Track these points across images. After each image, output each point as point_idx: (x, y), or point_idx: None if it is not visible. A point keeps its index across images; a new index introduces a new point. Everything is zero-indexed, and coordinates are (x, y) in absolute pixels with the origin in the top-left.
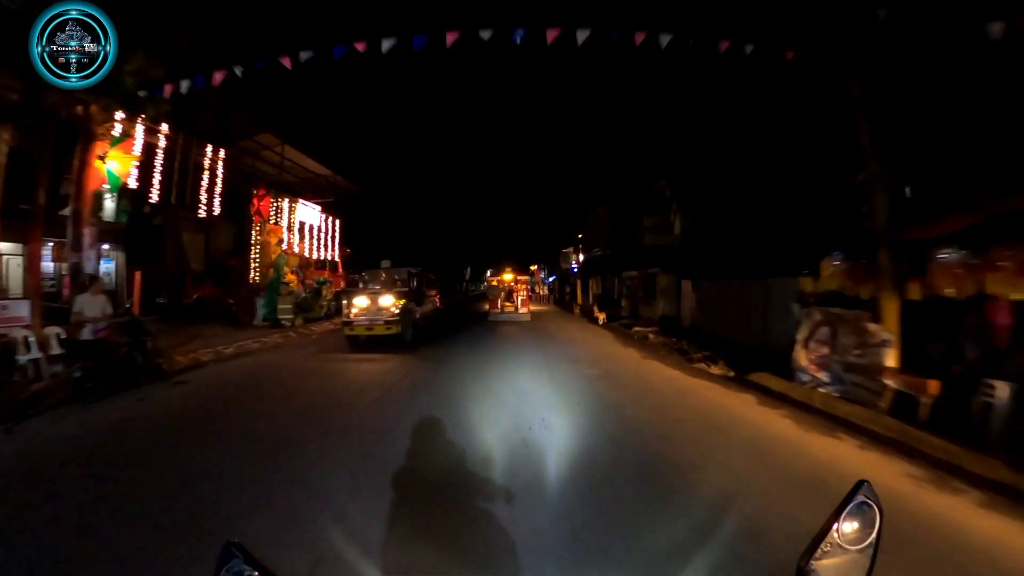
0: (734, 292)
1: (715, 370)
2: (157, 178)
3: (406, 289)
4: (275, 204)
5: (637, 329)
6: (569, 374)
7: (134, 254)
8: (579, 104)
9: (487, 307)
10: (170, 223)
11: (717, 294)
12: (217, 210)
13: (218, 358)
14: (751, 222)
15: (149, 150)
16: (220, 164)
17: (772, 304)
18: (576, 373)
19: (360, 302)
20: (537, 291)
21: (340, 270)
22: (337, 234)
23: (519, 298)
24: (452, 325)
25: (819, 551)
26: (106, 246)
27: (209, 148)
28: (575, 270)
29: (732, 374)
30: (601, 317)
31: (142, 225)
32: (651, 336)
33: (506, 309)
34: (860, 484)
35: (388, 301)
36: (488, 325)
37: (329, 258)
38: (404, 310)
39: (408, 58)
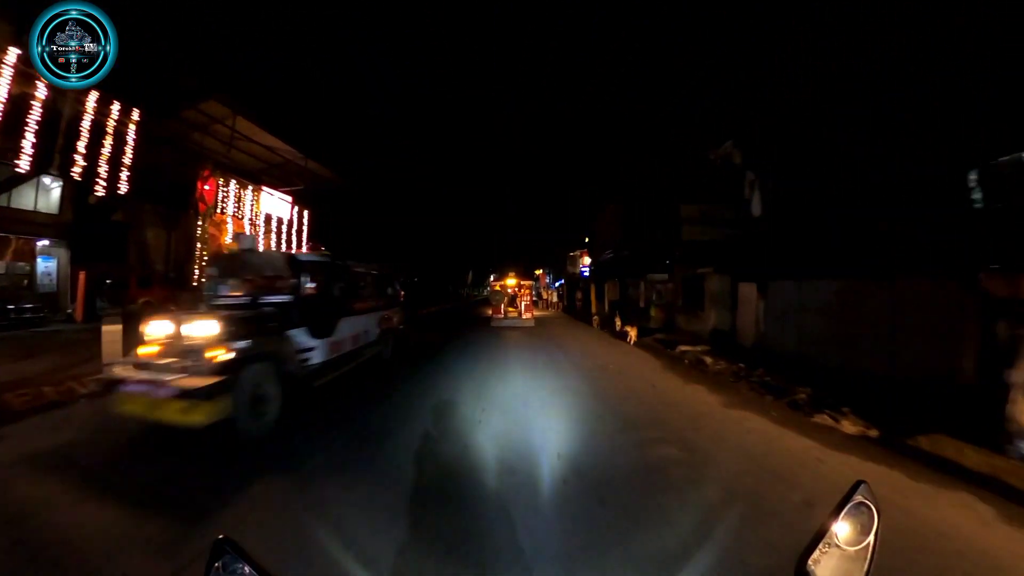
0: (831, 297)
1: (848, 427)
2: (31, 139)
3: (266, 305)
4: (224, 190)
5: (684, 349)
6: (627, 462)
7: (82, 252)
8: (595, 74)
9: (490, 312)
10: (134, 218)
11: (799, 300)
12: (124, 187)
13: (101, 390)
14: (862, 191)
15: (20, 103)
16: (132, 128)
17: (903, 315)
18: (637, 457)
19: (156, 331)
20: (545, 297)
21: None
22: (306, 228)
23: (522, 303)
24: (429, 352)
25: (817, 551)
26: (45, 242)
27: (116, 107)
28: (585, 274)
29: (877, 434)
30: (632, 333)
31: (96, 219)
32: (708, 361)
33: (509, 315)
34: (858, 484)
35: (204, 332)
36: (483, 356)
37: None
38: (242, 359)
39: (410, 51)
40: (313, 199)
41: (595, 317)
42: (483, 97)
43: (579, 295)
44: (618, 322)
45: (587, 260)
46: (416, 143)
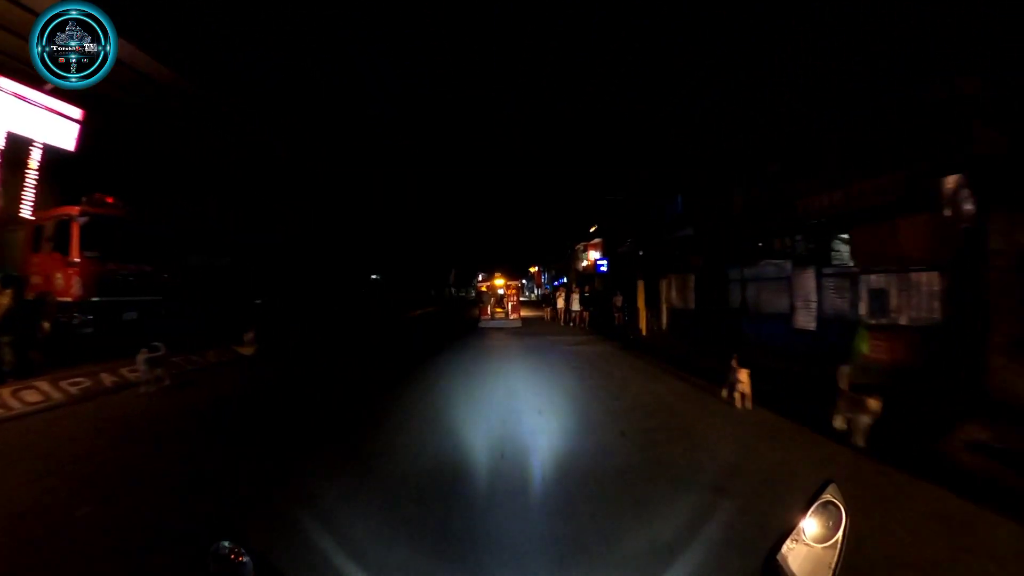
0: None
1: None
2: None
3: None
4: None
5: None
6: None
7: None
8: (595, 73)
9: (477, 313)
10: None
11: None
12: None
13: None
14: None
15: None
16: None
17: None
18: None
19: None
20: (562, 305)
21: (74, 251)
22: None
23: (509, 304)
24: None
25: (785, 546)
26: None
27: None
28: (603, 270)
29: None
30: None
31: None
32: None
33: (496, 315)
34: (826, 483)
35: None
36: None
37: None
38: None
39: (410, 51)
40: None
41: (740, 378)
42: (482, 95)
43: (617, 301)
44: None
45: (593, 255)
46: (414, 139)
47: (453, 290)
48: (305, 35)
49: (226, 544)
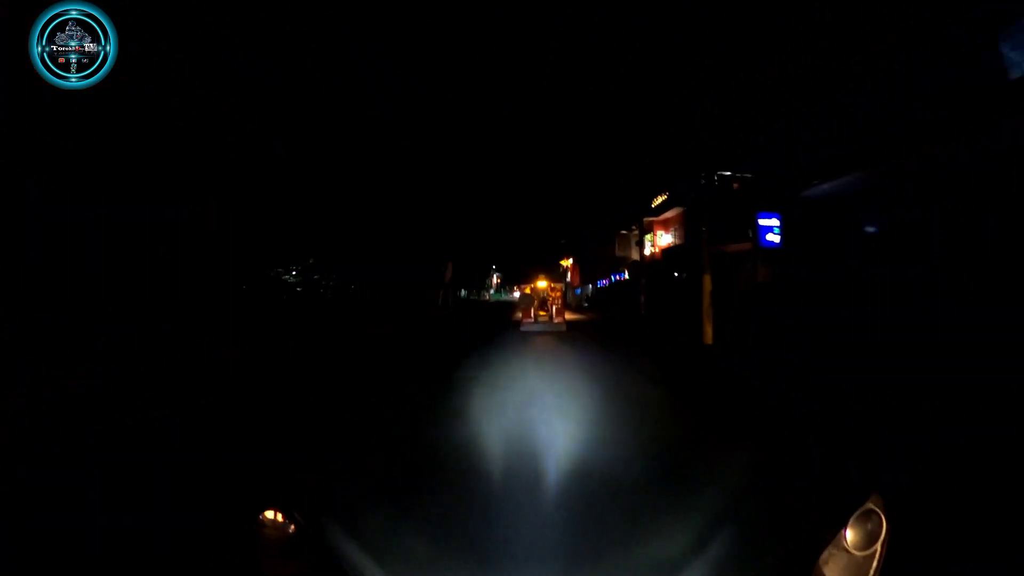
0: None
1: None
2: None
3: None
4: None
5: None
6: None
7: None
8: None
9: (519, 315)
10: None
11: None
12: None
13: None
14: None
15: None
16: None
17: None
18: None
19: None
20: None
21: None
22: None
23: (553, 308)
24: None
25: (826, 553)
26: None
27: None
28: (773, 242)
29: None
30: None
31: None
32: None
33: (540, 318)
34: (869, 493)
35: None
36: None
37: None
38: None
39: (410, 51)
40: None
41: None
42: (484, 96)
43: None
44: None
45: (665, 238)
46: (414, 139)
47: (464, 292)
48: (305, 35)
49: (273, 513)
